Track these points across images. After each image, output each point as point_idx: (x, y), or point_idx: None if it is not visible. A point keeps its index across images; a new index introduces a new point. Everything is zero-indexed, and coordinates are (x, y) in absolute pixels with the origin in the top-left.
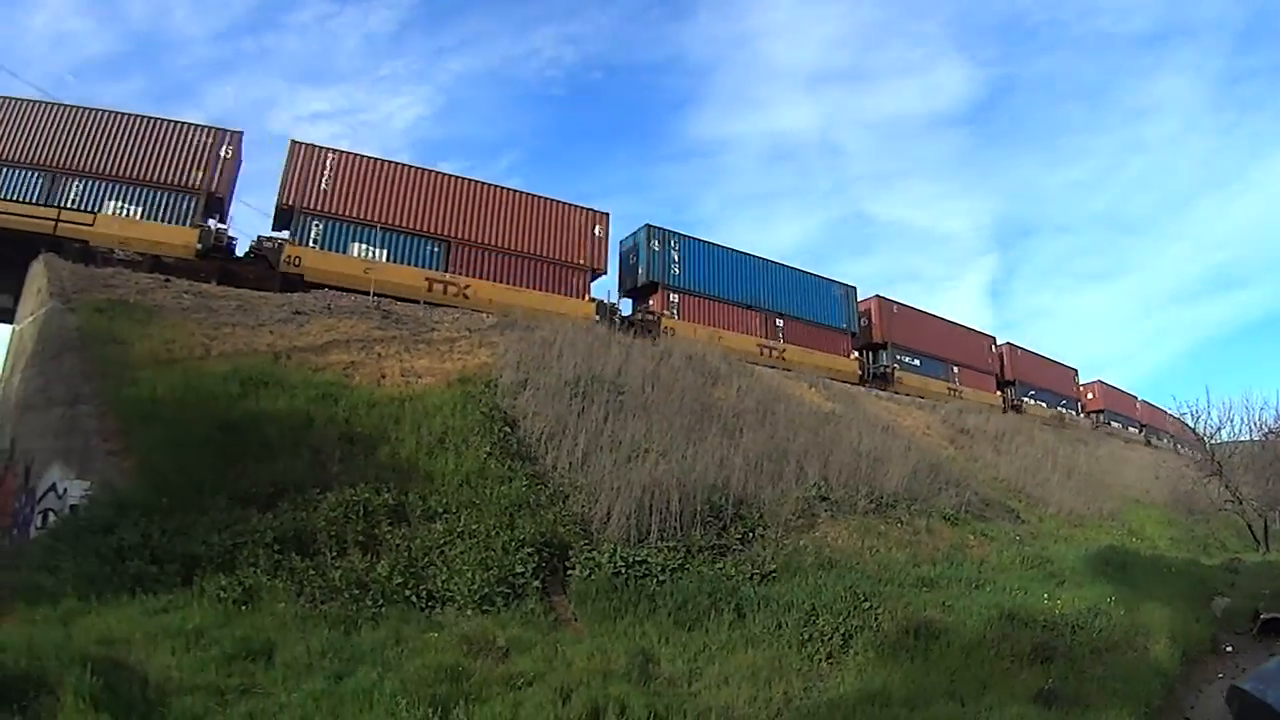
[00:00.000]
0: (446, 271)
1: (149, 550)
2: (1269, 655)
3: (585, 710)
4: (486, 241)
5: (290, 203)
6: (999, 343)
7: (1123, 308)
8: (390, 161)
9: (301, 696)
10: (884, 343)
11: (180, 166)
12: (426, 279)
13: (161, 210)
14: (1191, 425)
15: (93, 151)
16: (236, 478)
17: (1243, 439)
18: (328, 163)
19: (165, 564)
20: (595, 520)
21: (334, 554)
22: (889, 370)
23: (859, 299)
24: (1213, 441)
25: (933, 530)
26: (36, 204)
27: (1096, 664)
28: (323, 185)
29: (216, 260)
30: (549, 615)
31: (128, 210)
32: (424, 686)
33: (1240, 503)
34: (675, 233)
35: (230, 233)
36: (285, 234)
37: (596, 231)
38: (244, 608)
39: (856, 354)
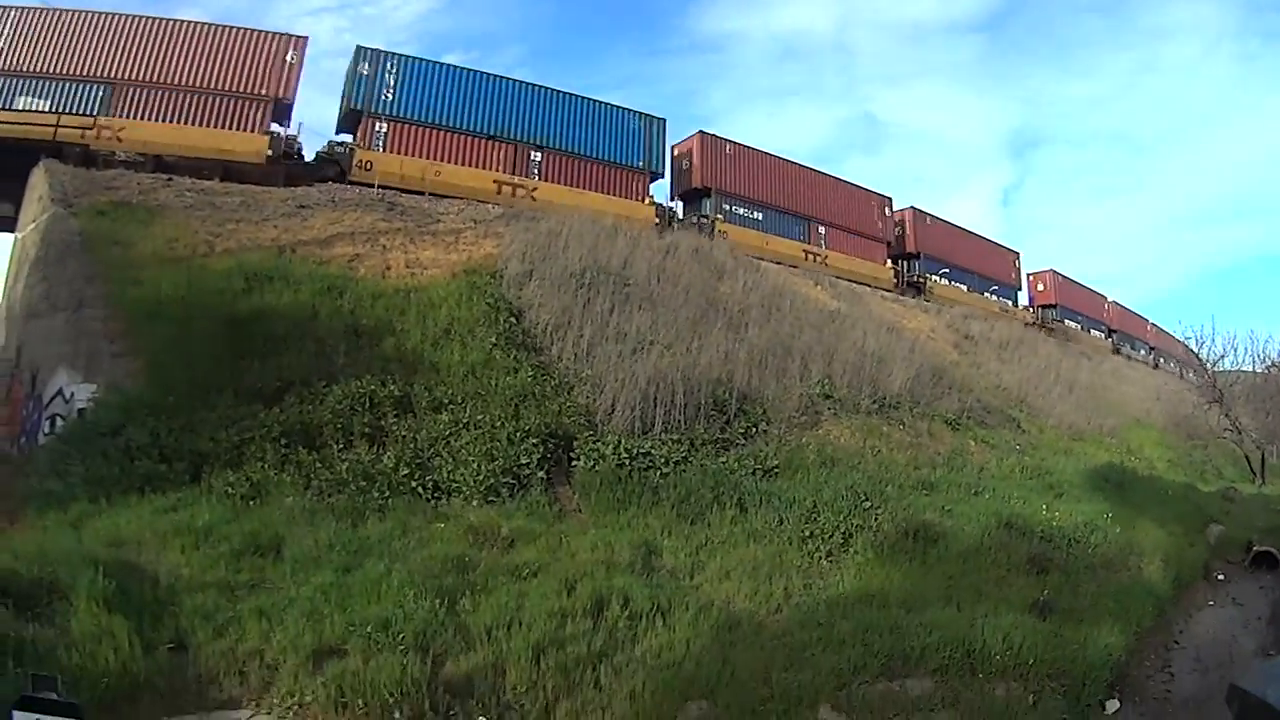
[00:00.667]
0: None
1: (157, 449)
2: (1259, 587)
3: (589, 601)
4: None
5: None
6: (895, 205)
7: (1131, 226)
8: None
9: (310, 590)
10: (706, 189)
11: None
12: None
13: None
14: (1195, 350)
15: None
16: (243, 373)
17: (1245, 369)
18: (392, 66)
19: (174, 462)
20: (600, 412)
21: (340, 447)
22: (709, 220)
23: (682, 138)
24: (1215, 369)
25: (934, 434)
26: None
27: (1090, 579)
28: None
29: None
30: (553, 506)
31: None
32: (430, 577)
33: (1239, 432)
34: (394, 53)
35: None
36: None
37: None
38: (252, 503)
39: (658, 202)
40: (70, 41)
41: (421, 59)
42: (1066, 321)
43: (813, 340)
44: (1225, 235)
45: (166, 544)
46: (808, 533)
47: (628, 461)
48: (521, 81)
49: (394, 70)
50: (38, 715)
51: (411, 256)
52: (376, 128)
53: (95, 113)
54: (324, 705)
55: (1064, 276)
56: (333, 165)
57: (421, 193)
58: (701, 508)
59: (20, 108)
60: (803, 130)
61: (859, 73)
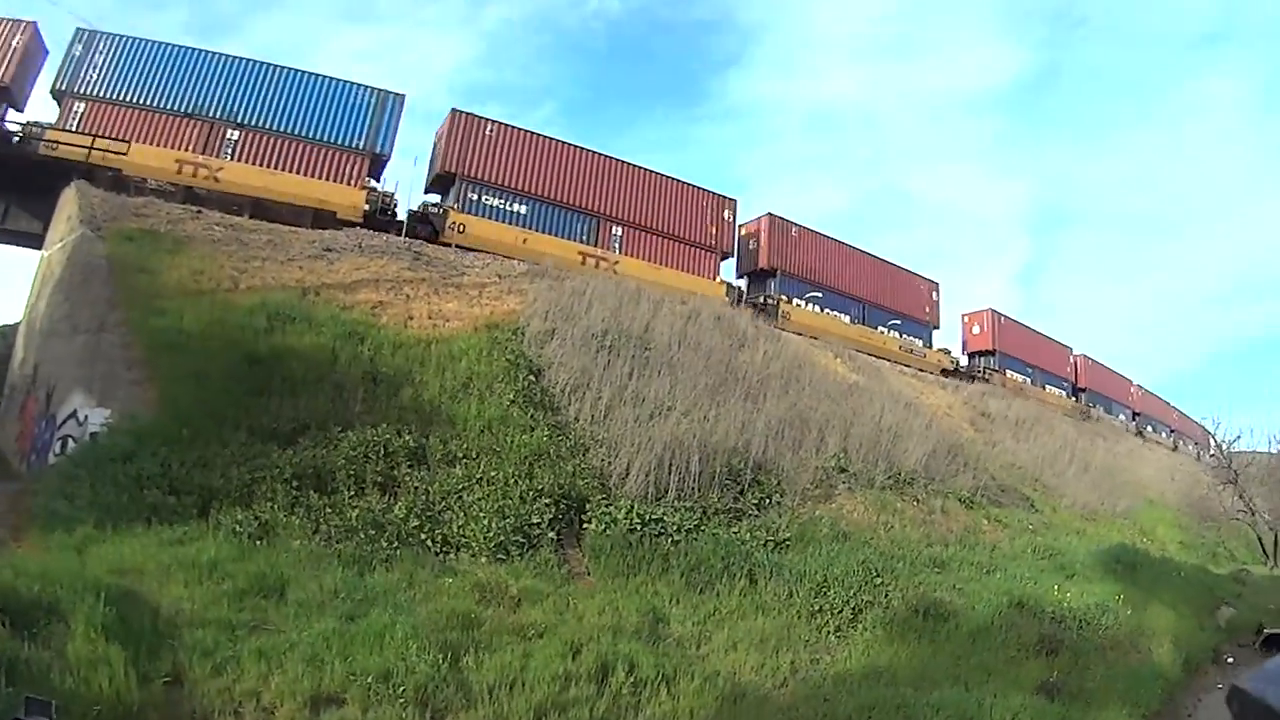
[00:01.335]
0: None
1: (167, 481)
2: None
3: (594, 666)
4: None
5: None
6: (733, 207)
7: (1147, 308)
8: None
9: (312, 635)
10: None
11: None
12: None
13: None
14: (1211, 431)
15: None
16: (259, 412)
17: (1260, 450)
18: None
19: (183, 495)
20: (614, 475)
21: (352, 493)
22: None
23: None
24: (1229, 449)
25: (948, 511)
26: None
27: (1100, 661)
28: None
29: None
30: (562, 567)
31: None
32: (435, 632)
33: (1253, 514)
34: (114, 34)
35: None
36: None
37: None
38: (259, 543)
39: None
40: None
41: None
42: (1011, 373)
43: (830, 412)
44: (1244, 315)
45: (170, 577)
46: (817, 607)
47: (639, 527)
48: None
49: (105, 50)
50: None
51: (435, 307)
52: (74, 108)
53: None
54: None
55: (1006, 318)
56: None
57: (512, 258)
58: (711, 577)
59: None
60: (829, 200)
61: (886, 145)
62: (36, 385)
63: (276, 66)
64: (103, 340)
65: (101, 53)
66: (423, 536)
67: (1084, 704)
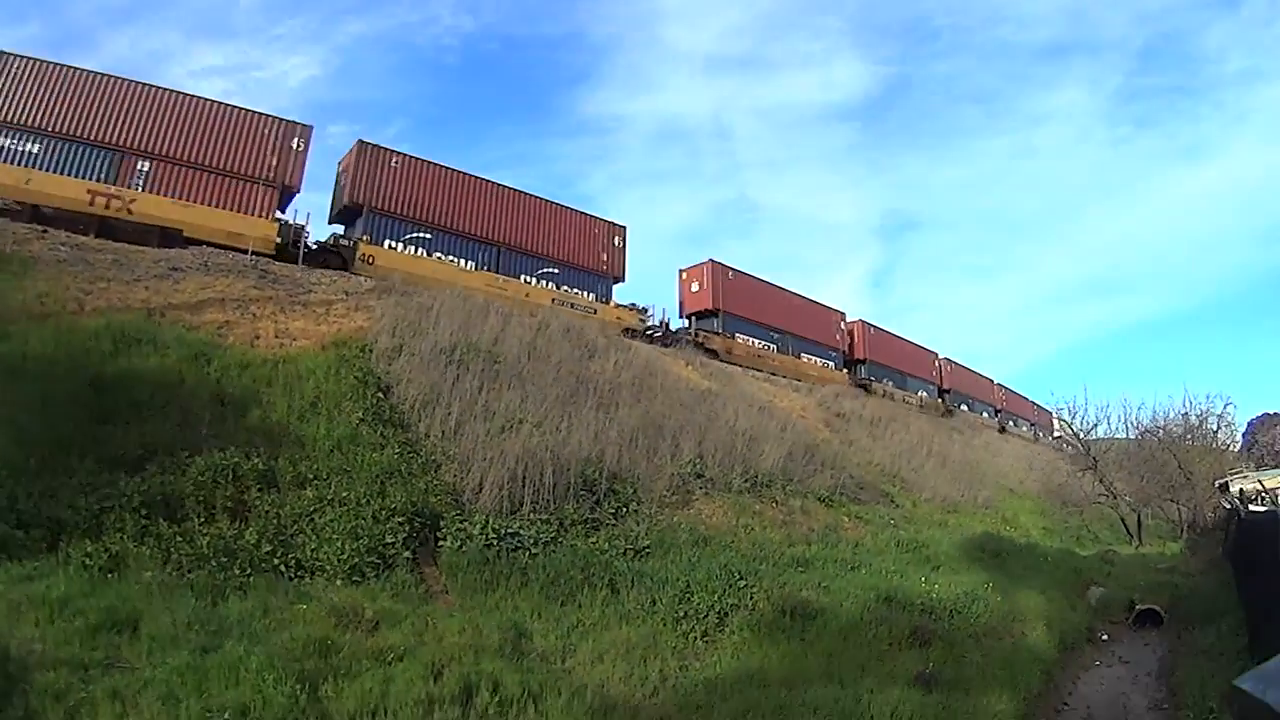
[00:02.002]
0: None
1: (14, 514)
2: (1144, 644)
3: (457, 687)
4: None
5: (358, 200)
6: (623, 233)
7: (1002, 304)
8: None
9: (166, 671)
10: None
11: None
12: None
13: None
14: (1069, 420)
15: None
16: (105, 439)
17: (1118, 436)
18: (392, 164)
19: (31, 529)
20: (467, 491)
21: (202, 520)
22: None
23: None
24: (1088, 437)
25: (808, 511)
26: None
27: (975, 649)
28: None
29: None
30: (419, 587)
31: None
32: (292, 660)
33: (1114, 497)
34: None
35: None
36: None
37: (616, 242)
38: (110, 576)
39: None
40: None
41: None
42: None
43: (684, 419)
44: (1097, 309)
45: (20, 616)
46: (682, 613)
47: (496, 542)
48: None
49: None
50: None
51: (281, 326)
52: None
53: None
54: None
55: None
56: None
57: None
58: (572, 589)
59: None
60: (680, 212)
61: (737, 157)
62: None
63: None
64: None
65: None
66: (275, 562)
67: (963, 691)
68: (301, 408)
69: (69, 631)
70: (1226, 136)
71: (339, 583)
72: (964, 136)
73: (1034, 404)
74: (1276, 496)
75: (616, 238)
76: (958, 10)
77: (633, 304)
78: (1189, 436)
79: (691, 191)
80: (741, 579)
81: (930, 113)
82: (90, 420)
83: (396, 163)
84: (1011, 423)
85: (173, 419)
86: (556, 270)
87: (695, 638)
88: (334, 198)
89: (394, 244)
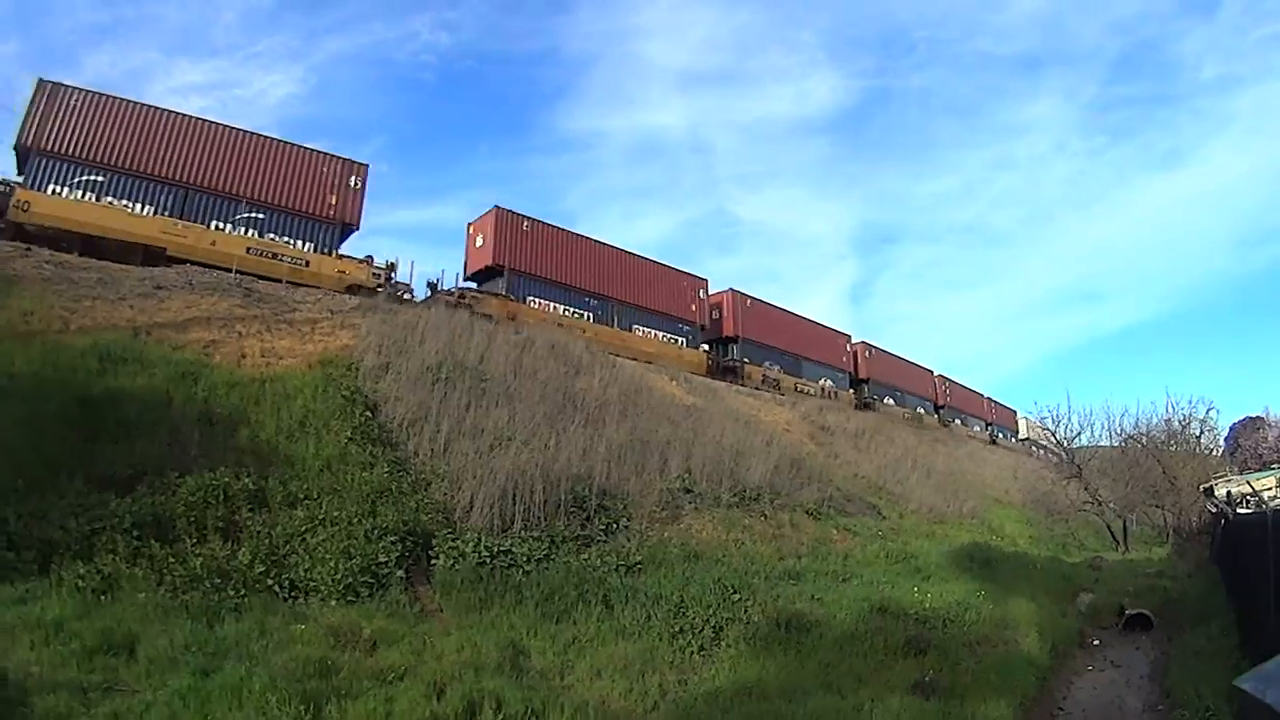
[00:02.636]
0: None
1: (5, 535)
2: (1135, 648)
3: (460, 705)
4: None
5: None
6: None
7: (984, 315)
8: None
9: (168, 694)
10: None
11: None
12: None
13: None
14: (1052, 429)
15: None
16: (94, 458)
17: (1101, 444)
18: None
19: (22, 550)
20: (458, 509)
21: (194, 541)
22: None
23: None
24: (1072, 445)
25: (796, 524)
26: None
27: (969, 657)
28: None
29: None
30: (414, 606)
31: None
32: (293, 681)
33: (1099, 504)
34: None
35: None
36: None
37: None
38: (104, 597)
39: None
40: None
41: None
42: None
43: (670, 435)
44: (1078, 317)
45: (15, 639)
46: (677, 628)
47: (489, 560)
48: None
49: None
50: None
51: (267, 345)
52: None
53: None
54: None
55: (876, 348)
56: None
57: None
58: (566, 606)
59: None
60: (658, 227)
61: (714, 172)
62: None
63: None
64: None
65: (67, 108)
66: (269, 582)
67: (960, 699)
68: (290, 427)
69: (65, 654)
70: (1203, 143)
71: (334, 603)
72: (941, 149)
73: (1023, 416)
74: (1264, 499)
75: (354, 177)
76: (934, 23)
77: (369, 257)
78: (1172, 442)
79: (670, 206)
80: (735, 593)
81: (907, 125)
82: (79, 440)
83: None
84: (1001, 435)
85: (161, 439)
86: (262, 215)
87: (692, 652)
88: None
89: None
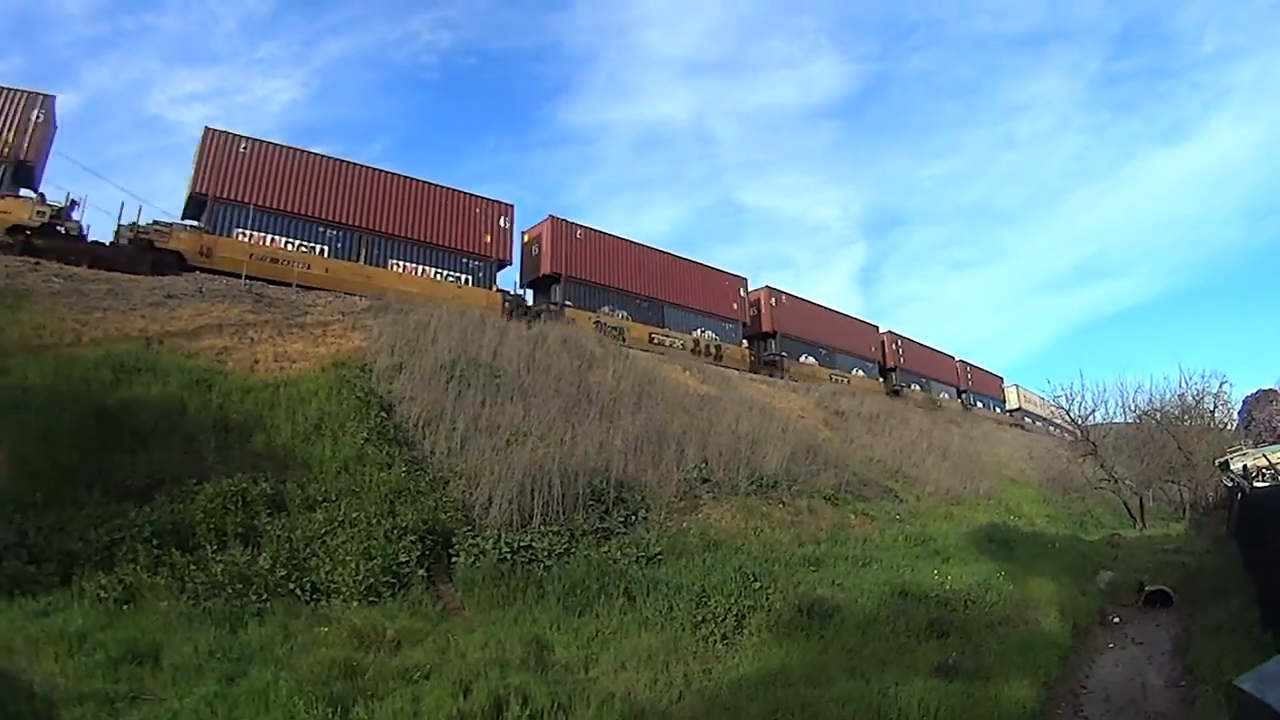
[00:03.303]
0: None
1: (26, 549)
2: (1155, 625)
3: (487, 702)
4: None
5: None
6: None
7: (994, 295)
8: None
9: (194, 701)
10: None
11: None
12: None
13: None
14: (1066, 407)
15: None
16: (112, 469)
17: (1116, 420)
18: (241, 150)
19: (43, 563)
20: (477, 506)
21: (214, 547)
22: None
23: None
24: (1086, 423)
25: (815, 510)
26: None
27: (991, 637)
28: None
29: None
30: (436, 605)
31: None
32: (319, 684)
33: (1115, 481)
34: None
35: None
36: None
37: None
38: (126, 607)
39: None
40: None
41: None
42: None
43: (686, 425)
44: (1088, 295)
45: (40, 651)
46: (700, 617)
47: (509, 556)
48: None
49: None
50: None
51: (280, 349)
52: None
53: None
54: None
55: (904, 338)
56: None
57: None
58: (588, 599)
59: None
60: (665, 217)
61: (720, 161)
62: None
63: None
64: None
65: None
66: (291, 586)
67: (984, 679)
68: (306, 430)
69: (90, 665)
70: (1206, 116)
71: (356, 604)
72: (945, 130)
73: (1040, 398)
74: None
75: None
76: (932, 4)
77: (41, 194)
78: (1186, 417)
79: (676, 197)
80: (756, 580)
81: (910, 108)
82: (95, 451)
83: (246, 148)
84: (1026, 419)
85: (178, 447)
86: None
87: (715, 641)
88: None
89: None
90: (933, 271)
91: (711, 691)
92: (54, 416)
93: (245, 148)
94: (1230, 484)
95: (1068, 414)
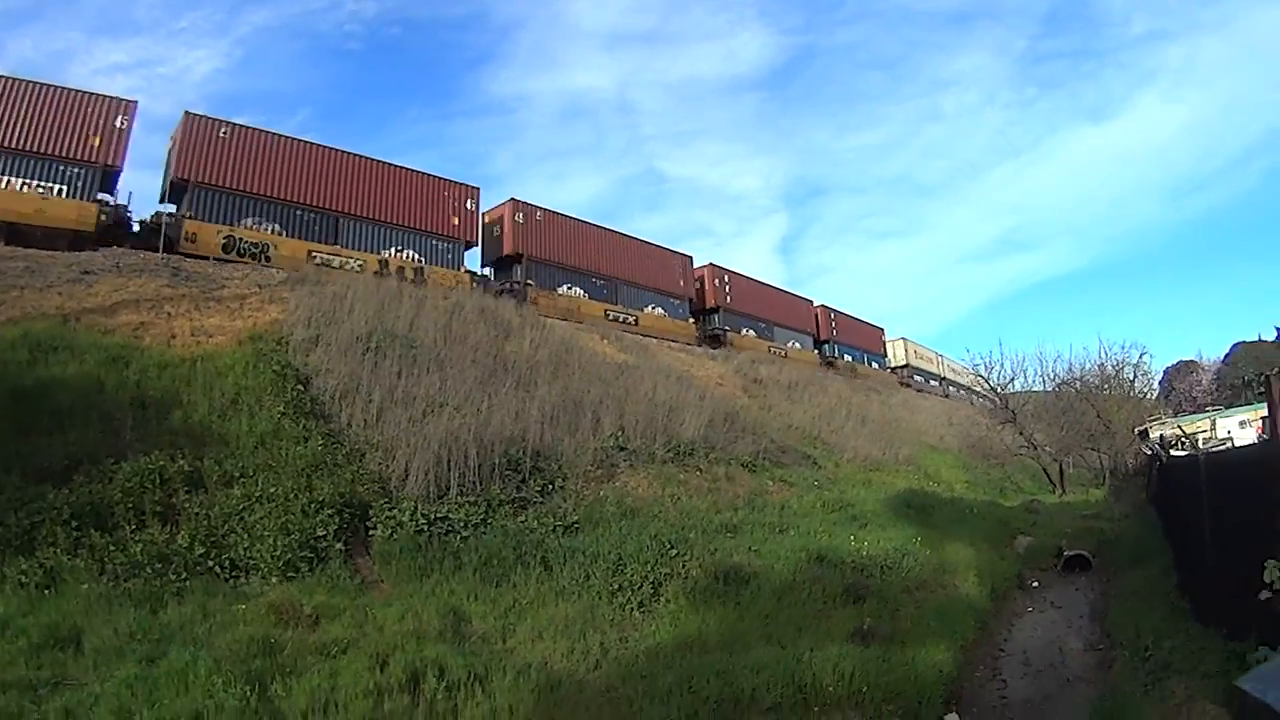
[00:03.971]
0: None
1: None
2: (1074, 589)
3: (404, 675)
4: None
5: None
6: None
7: (915, 265)
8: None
9: (115, 685)
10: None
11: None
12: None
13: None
14: (985, 375)
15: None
16: (30, 451)
17: (1035, 389)
18: (221, 134)
19: None
20: (394, 478)
21: (133, 527)
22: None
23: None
24: (1005, 391)
25: (732, 477)
26: None
27: (909, 602)
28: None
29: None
30: (354, 578)
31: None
32: (238, 662)
33: (1034, 448)
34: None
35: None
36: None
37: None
38: (47, 592)
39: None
40: None
41: None
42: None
43: (603, 394)
44: (1009, 267)
45: None
46: (616, 585)
47: (426, 527)
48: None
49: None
50: None
51: (197, 324)
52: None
53: None
54: None
55: (836, 311)
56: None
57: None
58: (505, 569)
59: None
60: (587, 187)
61: (642, 131)
62: None
63: (378, 161)
64: None
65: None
66: (210, 564)
67: (900, 644)
68: (223, 405)
69: (12, 652)
70: (1131, 95)
71: (274, 580)
72: (869, 102)
73: (971, 371)
74: (1197, 441)
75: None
76: None
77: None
78: (1106, 386)
79: (598, 166)
80: (672, 548)
81: (835, 80)
82: (12, 433)
83: (226, 132)
84: (954, 390)
85: (95, 426)
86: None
87: (632, 609)
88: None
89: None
90: (854, 240)
91: (628, 660)
92: None
93: (225, 132)
94: (1149, 452)
95: (986, 382)
